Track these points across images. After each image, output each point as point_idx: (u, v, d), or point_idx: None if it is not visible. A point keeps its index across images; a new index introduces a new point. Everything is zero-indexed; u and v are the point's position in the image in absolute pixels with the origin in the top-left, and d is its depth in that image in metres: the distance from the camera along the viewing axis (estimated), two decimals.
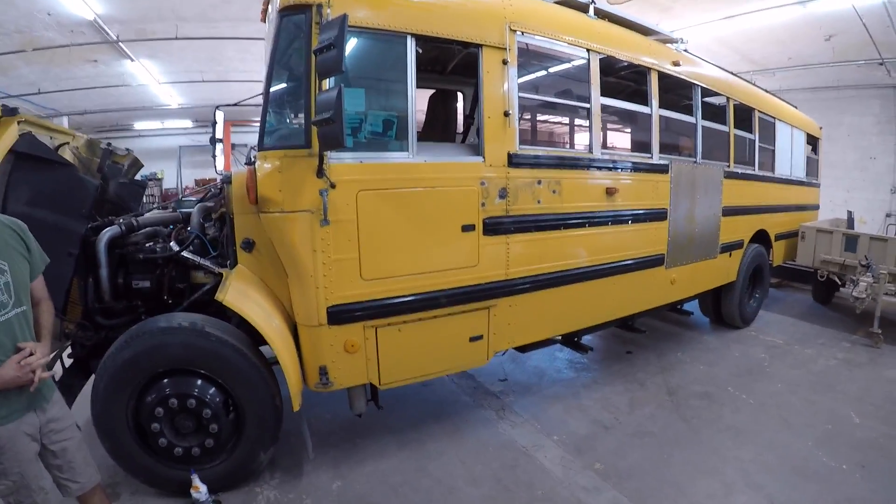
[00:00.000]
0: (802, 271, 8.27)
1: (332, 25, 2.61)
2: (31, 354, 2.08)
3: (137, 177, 6.01)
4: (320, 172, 2.98)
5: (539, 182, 3.88)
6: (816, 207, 9.03)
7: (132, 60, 12.53)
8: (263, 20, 4.14)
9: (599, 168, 4.35)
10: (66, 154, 4.62)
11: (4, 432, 2.05)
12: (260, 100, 3.16)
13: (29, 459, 2.13)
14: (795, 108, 8.23)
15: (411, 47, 3.29)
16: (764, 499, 3.39)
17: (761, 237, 7.02)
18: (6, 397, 2.04)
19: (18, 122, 3.42)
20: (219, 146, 5.02)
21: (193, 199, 4.39)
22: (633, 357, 5.96)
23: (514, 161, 3.71)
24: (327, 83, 2.97)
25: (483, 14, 3.63)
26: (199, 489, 3.16)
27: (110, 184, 4.65)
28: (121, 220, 3.66)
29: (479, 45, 3.56)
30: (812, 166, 8.74)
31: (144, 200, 7.08)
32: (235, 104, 5.20)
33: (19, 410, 2.09)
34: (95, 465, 2.49)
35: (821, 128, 9.09)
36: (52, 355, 2.32)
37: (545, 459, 3.84)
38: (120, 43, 11.26)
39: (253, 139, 3.34)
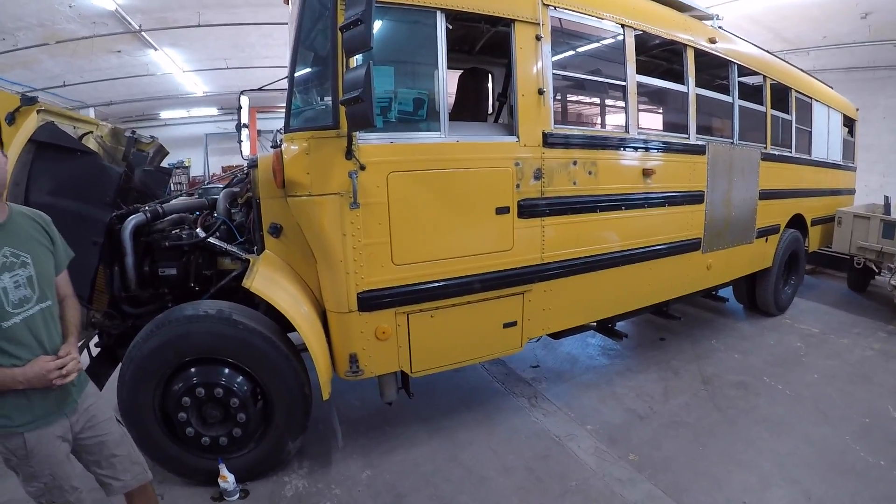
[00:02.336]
0: (837, 258, 8.04)
1: (359, 1, 2.50)
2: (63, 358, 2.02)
3: (164, 164, 6.00)
4: (349, 154, 2.90)
5: (574, 163, 3.75)
6: (852, 192, 8.75)
7: (155, 49, 12.60)
8: (287, 2, 4.06)
9: (636, 148, 4.21)
10: (91, 143, 4.60)
11: (32, 437, 1.98)
12: (285, 84, 3.08)
13: (60, 461, 2.06)
14: (831, 88, 7.95)
15: (441, 23, 3.17)
16: (801, 494, 3.28)
17: (797, 222, 6.80)
18: (31, 401, 1.96)
19: (38, 112, 3.38)
20: (244, 132, 4.97)
21: (219, 185, 4.34)
22: (667, 344, 5.84)
23: (548, 141, 3.58)
24: (355, 61, 2.87)
25: None
26: (227, 479, 3.14)
27: (135, 171, 4.63)
28: (146, 208, 3.62)
29: (511, 21, 3.43)
30: (848, 149, 8.47)
31: (172, 188, 7.09)
32: (260, 89, 5.13)
33: (46, 416, 2.01)
34: (143, 463, 2.40)
35: (857, 109, 8.79)
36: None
37: (578, 449, 3.76)
38: (142, 32, 11.32)
39: (279, 125, 3.27)
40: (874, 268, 7.25)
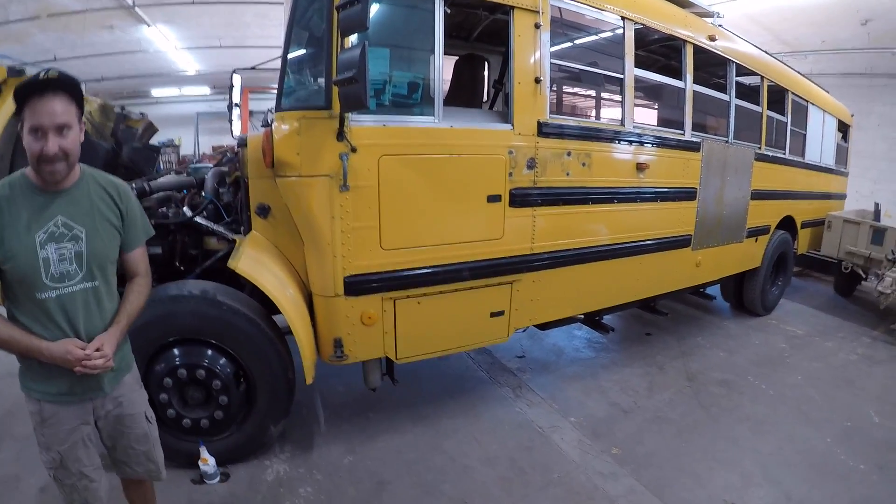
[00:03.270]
0: (824, 261, 8.10)
1: None
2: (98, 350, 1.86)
3: (153, 142, 5.92)
4: (341, 135, 2.85)
5: (569, 153, 3.72)
6: (843, 197, 8.81)
7: (149, 26, 12.39)
8: None
9: (631, 142, 4.19)
10: None
11: (47, 408, 1.89)
12: (278, 64, 3.03)
13: (73, 442, 1.94)
14: (828, 92, 7.96)
15: (439, 5, 3.11)
16: (781, 494, 3.30)
17: (787, 224, 6.82)
18: (51, 374, 1.85)
19: None
20: (236, 111, 4.89)
21: (209, 165, 4.28)
22: (653, 339, 5.86)
23: (543, 130, 3.54)
24: (350, 41, 2.82)
25: None
26: (208, 461, 3.11)
27: (123, 148, 4.55)
28: (133, 185, 3.55)
29: (510, 7, 3.38)
30: (841, 154, 8.51)
31: (162, 167, 7.01)
32: (253, 67, 5.04)
33: (66, 393, 1.90)
34: (160, 464, 2.30)
35: (852, 115, 8.82)
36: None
37: (562, 441, 3.76)
38: (136, 8, 11.12)
39: (271, 106, 3.21)
40: (861, 273, 7.32)
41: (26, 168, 1.85)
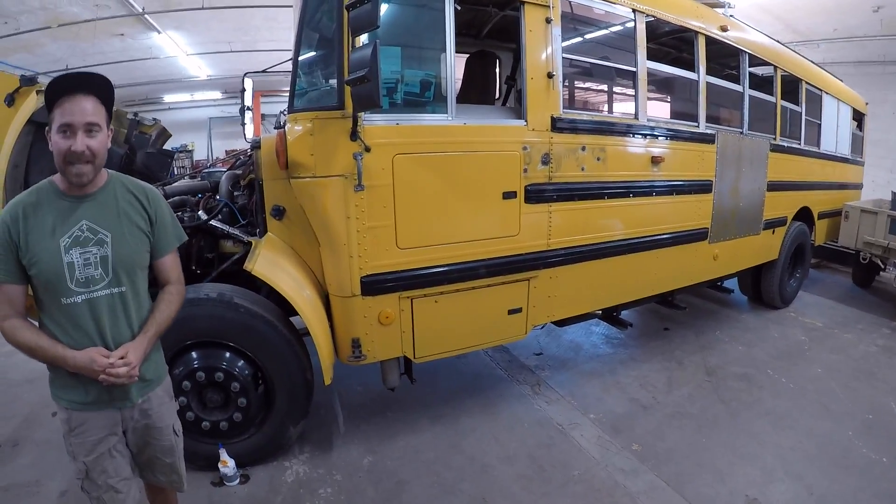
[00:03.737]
0: (842, 252, 8.01)
1: None
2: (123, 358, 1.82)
3: (166, 147, 5.96)
4: (354, 135, 2.84)
5: (583, 148, 3.70)
6: (860, 186, 8.67)
7: (159, 33, 12.51)
8: None
9: (645, 135, 4.15)
10: None
11: (75, 417, 1.87)
12: (289, 67, 3.03)
13: (99, 453, 1.91)
14: (841, 81, 7.86)
15: (450, 3, 3.10)
16: (803, 489, 3.26)
17: (804, 215, 6.75)
18: (79, 383, 1.83)
19: (38, 92, 3.33)
20: (248, 114, 4.92)
21: (223, 169, 4.30)
22: (671, 334, 5.81)
23: (557, 125, 3.53)
24: (361, 41, 2.81)
25: None
26: (227, 464, 3.12)
27: (137, 154, 4.58)
28: None
29: (521, 2, 3.37)
30: (857, 143, 8.39)
31: (175, 172, 7.05)
32: (264, 71, 5.08)
33: (93, 402, 1.87)
34: (183, 475, 2.26)
35: (867, 103, 8.70)
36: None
37: (581, 438, 3.73)
38: (146, 15, 11.22)
39: (282, 108, 3.22)
40: (880, 263, 7.23)
41: (55, 175, 1.86)
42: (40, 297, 1.83)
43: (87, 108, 1.73)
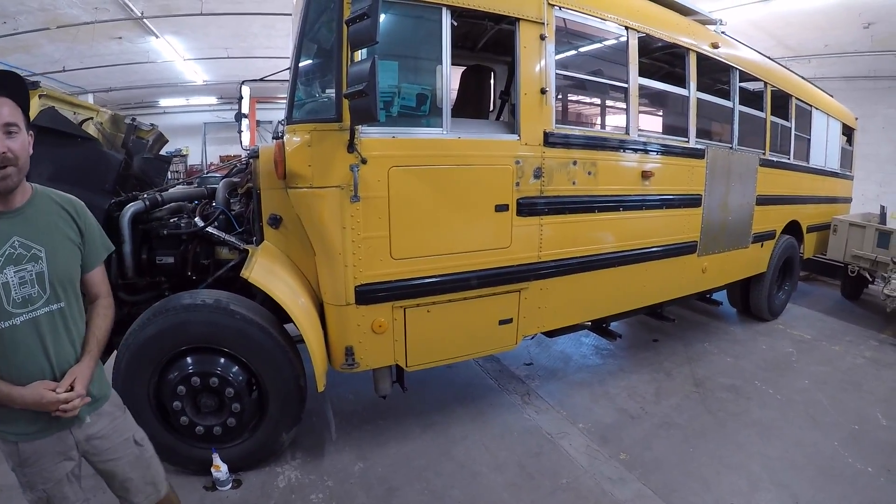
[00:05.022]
0: (831, 265, 8.08)
1: None
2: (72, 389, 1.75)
3: (162, 152, 6.00)
4: (351, 147, 2.90)
5: (574, 163, 3.77)
6: (849, 200, 8.80)
7: (157, 37, 12.54)
8: None
9: (636, 150, 4.22)
10: (90, 129, 4.59)
11: (26, 448, 1.79)
12: (286, 75, 3.08)
13: (57, 479, 1.85)
14: (831, 96, 7.98)
15: (446, 19, 3.17)
16: (789, 498, 3.30)
17: (793, 228, 6.83)
18: (28, 415, 1.75)
19: (39, 97, 3.37)
20: (244, 122, 4.95)
21: (217, 175, 4.34)
22: (660, 345, 5.87)
23: (549, 140, 3.59)
24: (359, 55, 2.86)
25: None
26: (220, 468, 3.14)
27: (135, 159, 4.62)
28: (145, 196, 3.60)
29: (516, 19, 3.43)
30: (846, 158, 8.51)
31: (170, 176, 7.09)
32: (262, 79, 5.12)
33: (42, 430, 1.79)
34: (159, 482, 2.17)
35: (857, 118, 8.82)
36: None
37: (570, 447, 3.77)
38: (144, 19, 11.24)
39: (278, 116, 3.27)
40: (868, 276, 7.32)
41: None
42: None
43: (2, 110, 1.63)
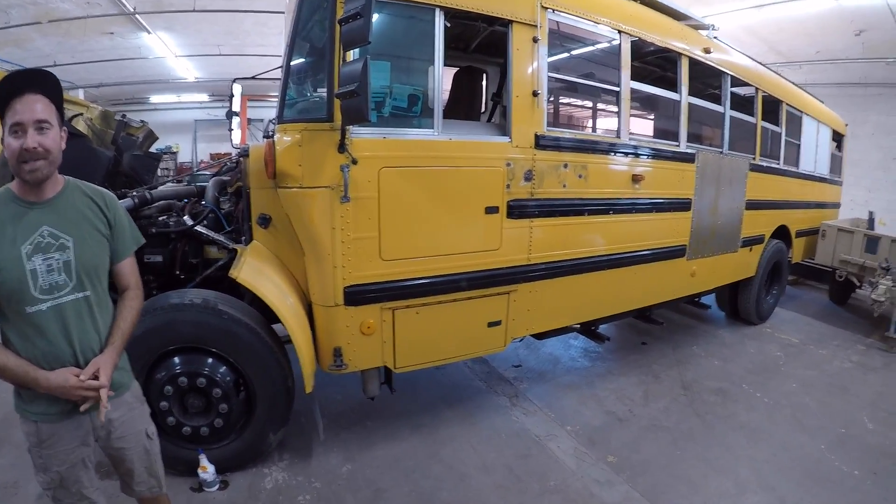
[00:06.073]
0: (819, 270, 8.14)
1: None
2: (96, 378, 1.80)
3: (152, 149, 5.95)
4: (342, 147, 2.89)
5: (565, 165, 3.77)
6: (838, 206, 8.89)
7: (149, 33, 12.50)
8: None
9: (627, 154, 4.24)
10: (80, 125, 4.56)
11: (45, 429, 1.84)
12: (278, 74, 3.06)
13: (72, 463, 1.90)
14: (822, 102, 8.04)
15: (439, 20, 3.16)
16: (776, 500, 3.33)
17: (782, 233, 6.88)
18: (48, 395, 1.80)
19: None
20: (235, 120, 4.92)
21: (207, 173, 4.31)
22: (648, 348, 5.89)
23: (541, 143, 3.60)
24: (351, 55, 2.85)
25: None
26: (207, 469, 3.12)
27: (124, 156, 4.60)
28: (134, 193, 3.58)
29: (508, 21, 3.44)
30: (835, 163, 8.59)
31: (159, 174, 7.04)
32: (253, 77, 5.09)
33: (63, 413, 1.84)
34: (161, 478, 2.24)
35: (846, 125, 8.90)
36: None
37: (558, 450, 3.78)
38: (136, 15, 11.19)
39: (269, 114, 3.25)
40: (856, 281, 7.38)
41: (12, 182, 1.84)
42: (3, 309, 1.78)
43: (36, 106, 1.71)
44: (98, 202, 1.95)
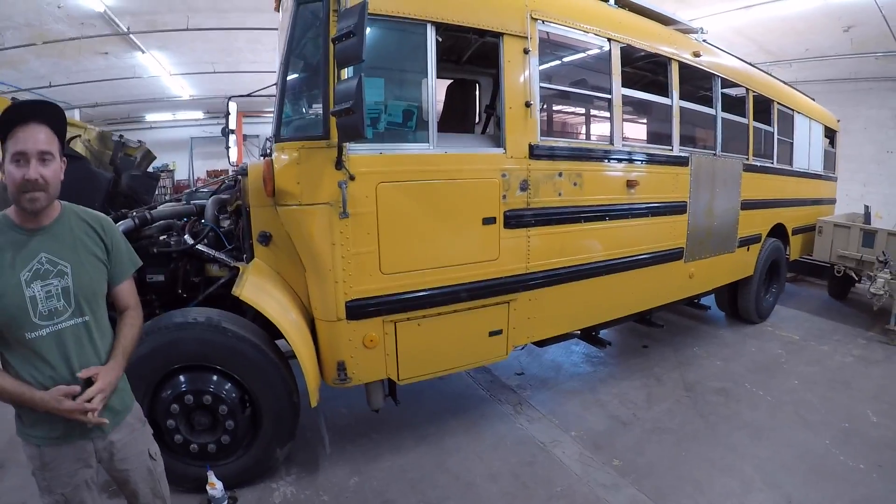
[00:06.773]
0: (817, 266, 8.17)
1: (352, 13, 2.52)
2: (91, 385, 1.82)
3: (150, 168, 5.99)
4: (339, 164, 2.92)
5: (560, 174, 3.81)
6: (833, 201, 8.93)
7: (143, 52, 12.55)
8: (277, 9, 4.08)
9: (620, 160, 4.29)
10: (78, 146, 4.60)
11: (47, 452, 1.85)
12: (273, 90, 3.09)
13: (75, 485, 1.91)
14: (813, 100, 8.10)
15: (431, 35, 3.21)
16: (782, 498, 3.35)
17: (778, 231, 6.92)
18: (53, 419, 1.80)
19: None
20: (232, 137, 4.96)
21: (206, 190, 4.34)
22: (650, 351, 5.91)
23: (535, 152, 3.64)
24: (346, 72, 2.89)
25: (504, 2, 3.56)
26: (215, 486, 3.13)
27: (123, 176, 4.63)
28: (134, 214, 3.61)
29: (499, 34, 3.49)
30: (829, 160, 8.64)
31: (157, 192, 7.08)
32: (249, 95, 5.13)
33: (64, 436, 1.85)
34: (166, 497, 2.25)
35: (839, 121, 8.96)
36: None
37: (563, 455, 3.80)
38: (130, 35, 11.26)
39: (265, 130, 3.29)
40: (854, 276, 7.41)
41: (8, 209, 1.85)
42: (3, 334, 1.79)
43: (40, 137, 1.74)
44: (95, 227, 1.98)
